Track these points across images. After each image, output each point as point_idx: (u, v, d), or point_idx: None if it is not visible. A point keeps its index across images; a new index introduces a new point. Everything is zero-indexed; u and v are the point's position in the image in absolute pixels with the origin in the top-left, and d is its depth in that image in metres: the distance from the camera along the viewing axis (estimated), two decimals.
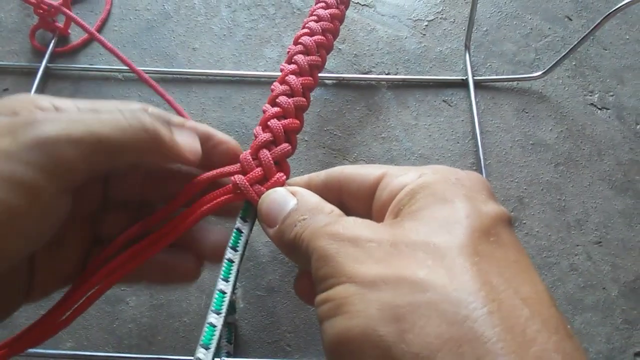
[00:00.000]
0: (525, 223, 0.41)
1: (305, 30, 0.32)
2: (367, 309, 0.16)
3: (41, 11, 0.46)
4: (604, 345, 0.37)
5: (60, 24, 0.48)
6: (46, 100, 0.22)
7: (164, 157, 0.22)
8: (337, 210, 0.22)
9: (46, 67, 0.46)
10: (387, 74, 0.47)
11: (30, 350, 0.28)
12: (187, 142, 0.23)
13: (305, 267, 0.21)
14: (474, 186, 0.20)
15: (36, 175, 0.18)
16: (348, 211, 0.22)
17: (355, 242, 0.18)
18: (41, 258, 0.23)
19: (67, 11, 0.45)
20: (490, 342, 0.14)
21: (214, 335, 0.22)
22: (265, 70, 0.47)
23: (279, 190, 0.24)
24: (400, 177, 0.21)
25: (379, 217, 0.21)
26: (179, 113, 0.41)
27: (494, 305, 0.15)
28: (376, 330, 0.16)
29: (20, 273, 0.22)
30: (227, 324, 0.35)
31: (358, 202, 0.23)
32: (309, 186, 0.25)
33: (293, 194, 0.23)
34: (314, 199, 0.22)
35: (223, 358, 0.34)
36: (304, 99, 0.29)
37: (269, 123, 0.27)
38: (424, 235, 0.18)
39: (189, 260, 0.26)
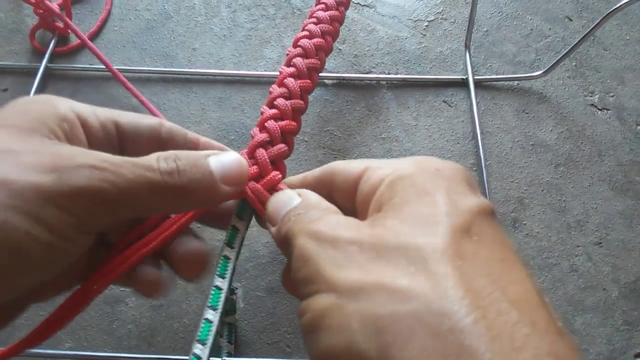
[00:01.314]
0: (525, 224, 0.41)
1: (305, 32, 0.32)
2: (349, 322, 0.16)
3: (41, 11, 0.46)
4: (604, 347, 0.37)
5: (60, 24, 0.48)
6: (68, 108, 0.22)
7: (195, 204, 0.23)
8: (332, 207, 0.21)
9: (46, 67, 0.46)
10: (387, 74, 0.47)
11: (30, 350, 0.29)
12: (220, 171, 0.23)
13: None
14: (454, 177, 0.20)
15: (68, 222, 0.19)
16: (338, 208, 0.22)
17: (336, 243, 0.18)
18: None
19: (62, 14, 0.45)
20: (477, 353, 0.14)
21: (211, 330, 0.22)
22: (265, 71, 0.47)
23: (287, 191, 0.24)
24: (380, 169, 0.21)
25: (362, 212, 0.21)
26: (153, 114, 0.42)
27: (479, 312, 0.15)
28: (359, 347, 0.15)
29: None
30: (227, 324, 0.35)
31: (344, 197, 0.22)
32: (303, 184, 0.25)
33: (299, 194, 0.23)
34: (314, 197, 0.22)
35: (224, 358, 0.34)
36: (301, 102, 0.29)
37: (266, 124, 0.27)
38: (404, 237, 0.17)
39: (150, 274, 0.25)
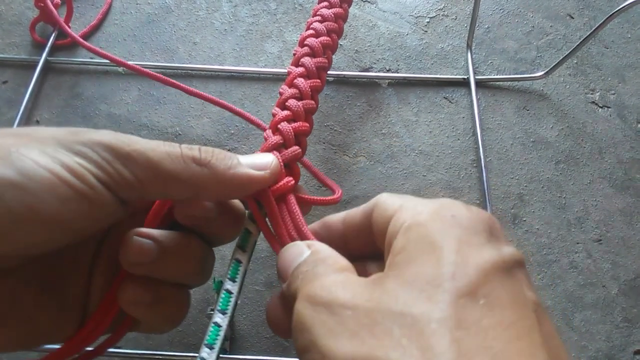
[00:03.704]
0: (525, 220, 0.41)
1: (311, 31, 0.31)
2: None
3: (42, 4, 0.46)
4: (603, 343, 0.37)
5: (61, 18, 0.48)
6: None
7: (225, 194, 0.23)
8: (340, 263, 0.20)
9: (46, 60, 0.46)
10: (388, 70, 0.47)
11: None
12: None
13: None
14: (472, 226, 0.18)
15: (88, 169, 0.19)
16: (377, 247, 0.21)
17: (331, 308, 0.17)
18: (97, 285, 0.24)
19: (57, 16, 0.45)
20: None
21: (219, 335, 0.22)
22: (266, 66, 0.47)
23: (297, 243, 0.22)
24: (407, 211, 0.19)
25: (387, 256, 0.20)
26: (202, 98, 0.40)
27: None
28: None
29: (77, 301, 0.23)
30: None
31: (380, 237, 0.21)
32: (345, 222, 0.23)
33: (309, 246, 0.22)
34: (326, 250, 0.21)
35: (220, 354, 0.34)
36: (312, 102, 0.28)
37: (279, 126, 0.27)
38: (402, 304, 0.16)
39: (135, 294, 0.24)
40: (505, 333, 0.15)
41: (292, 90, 0.28)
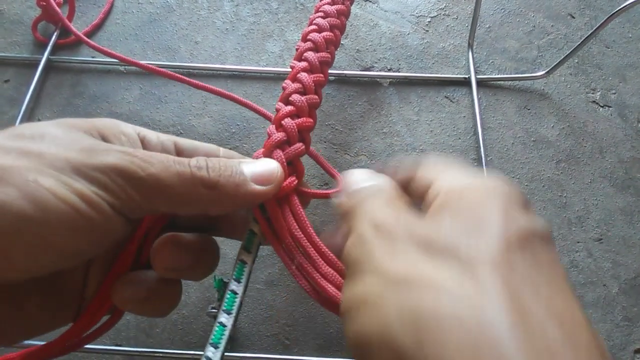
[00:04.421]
0: None
1: (314, 26, 0.31)
2: (388, 311, 0.16)
3: (44, 3, 0.46)
4: (604, 342, 0.37)
5: (63, 16, 0.48)
6: (131, 128, 0.23)
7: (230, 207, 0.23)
8: (400, 199, 0.21)
9: (48, 59, 0.46)
10: (389, 70, 0.47)
11: (25, 342, 0.29)
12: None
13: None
14: (512, 195, 0.19)
15: (99, 194, 0.19)
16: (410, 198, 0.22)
17: (393, 235, 0.18)
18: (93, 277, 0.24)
19: (61, 14, 0.45)
20: None
21: (224, 335, 0.22)
22: (267, 65, 0.47)
23: (365, 170, 0.24)
24: (451, 178, 0.21)
25: (426, 209, 0.21)
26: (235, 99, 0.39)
27: (521, 328, 0.14)
28: (394, 336, 0.15)
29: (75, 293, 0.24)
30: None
31: (418, 191, 0.22)
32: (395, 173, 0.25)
33: (375, 177, 0.23)
34: (388, 184, 0.22)
35: None
36: (316, 97, 0.28)
37: (283, 122, 0.26)
38: (457, 238, 0.17)
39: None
40: (547, 285, 0.16)
41: (296, 85, 0.28)
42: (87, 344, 0.24)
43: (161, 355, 0.35)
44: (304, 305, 0.37)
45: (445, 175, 0.21)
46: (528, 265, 0.16)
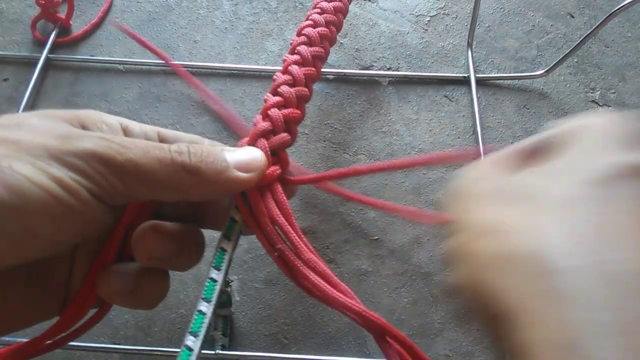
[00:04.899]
0: None
1: (309, 22, 0.31)
2: (475, 257, 0.18)
3: (43, 2, 0.46)
4: None
5: (62, 15, 0.48)
6: (114, 119, 0.23)
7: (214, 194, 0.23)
8: (507, 160, 0.23)
9: (47, 58, 0.46)
10: (388, 69, 0.47)
11: (8, 339, 0.29)
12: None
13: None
14: (607, 132, 0.20)
15: (78, 180, 0.19)
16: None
17: (483, 190, 0.21)
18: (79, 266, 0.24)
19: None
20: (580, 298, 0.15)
21: (203, 323, 0.22)
22: (266, 64, 0.47)
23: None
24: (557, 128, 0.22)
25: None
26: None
27: (577, 248, 0.16)
28: (482, 280, 0.18)
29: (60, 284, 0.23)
30: (222, 316, 0.35)
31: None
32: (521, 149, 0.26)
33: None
34: (490, 160, 0.24)
35: (218, 351, 0.34)
36: (305, 89, 0.28)
37: (269, 112, 0.26)
38: (539, 183, 0.19)
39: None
40: (625, 230, 0.16)
41: (285, 77, 0.28)
42: (76, 338, 0.24)
43: (159, 353, 0.35)
44: (302, 305, 0.37)
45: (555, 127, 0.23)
46: (606, 209, 0.17)
